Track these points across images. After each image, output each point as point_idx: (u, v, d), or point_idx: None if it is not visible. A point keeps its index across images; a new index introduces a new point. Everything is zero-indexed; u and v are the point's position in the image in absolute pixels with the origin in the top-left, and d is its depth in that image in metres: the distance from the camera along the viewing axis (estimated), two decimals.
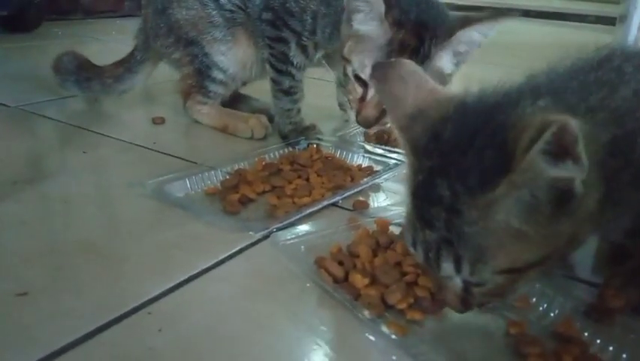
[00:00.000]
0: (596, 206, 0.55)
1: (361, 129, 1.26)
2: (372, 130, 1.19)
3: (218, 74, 1.33)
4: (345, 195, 1.00)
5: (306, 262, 0.77)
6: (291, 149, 1.21)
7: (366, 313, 0.66)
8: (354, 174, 1.08)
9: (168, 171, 1.02)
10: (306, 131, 1.28)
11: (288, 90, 1.27)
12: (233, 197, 0.95)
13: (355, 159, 1.19)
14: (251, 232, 0.85)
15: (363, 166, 1.14)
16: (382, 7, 0.98)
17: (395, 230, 0.83)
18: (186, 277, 0.74)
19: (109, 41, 2.46)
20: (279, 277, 0.75)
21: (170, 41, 1.35)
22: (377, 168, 1.14)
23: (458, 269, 0.56)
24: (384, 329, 0.64)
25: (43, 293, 0.70)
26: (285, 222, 0.88)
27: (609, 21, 3.70)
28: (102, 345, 0.62)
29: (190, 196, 0.99)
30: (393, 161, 1.17)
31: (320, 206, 0.95)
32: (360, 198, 0.98)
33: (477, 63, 1.05)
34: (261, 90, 1.43)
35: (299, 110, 1.30)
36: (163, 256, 0.80)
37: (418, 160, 0.58)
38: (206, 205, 0.95)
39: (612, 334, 0.64)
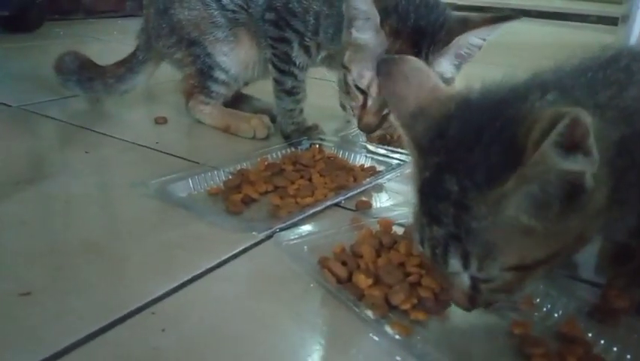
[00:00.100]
0: (604, 203, 0.55)
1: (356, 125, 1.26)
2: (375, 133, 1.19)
3: (220, 75, 1.33)
4: (348, 195, 0.99)
5: (310, 262, 0.77)
6: (293, 149, 1.21)
7: (370, 313, 0.66)
8: (357, 175, 1.08)
9: (171, 171, 1.02)
10: (309, 131, 1.28)
11: (290, 90, 1.27)
12: (236, 197, 0.95)
13: (358, 159, 1.19)
14: (254, 232, 0.85)
15: (365, 166, 1.14)
16: (378, 18, 0.98)
17: (398, 230, 0.83)
18: (190, 277, 0.74)
19: (110, 41, 2.46)
20: (282, 277, 0.75)
21: (173, 41, 1.35)
22: (379, 168, 1.14)
23: (466, 265, 0.56)
24: (388, 329, 0.64)
25: (46, 293, 0.70)
26: (288, 223, 0.88)
27: (611, 21, 3.71)
28: (106, 345, 0.62)
29: (193, 196, 0.99)
30: (396, 161, 1.17)
31: (323, 206, 0.95)
32: (363, 199, 0.98)
33: (477, 63, 1.05)
34: (263, 90, 1.43)
35: (301, 111, 1.30)
36: (166, 256, 0.80)
37: (424, 157, 0.58)
38: (209, 205, 0.95)
39: (616, 334, 0.64)
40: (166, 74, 1.50)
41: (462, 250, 0.55)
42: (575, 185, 0.51)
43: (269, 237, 0.85)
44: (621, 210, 0.60)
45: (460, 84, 1.02)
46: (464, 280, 0.59)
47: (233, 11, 1.28)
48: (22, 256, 0.78)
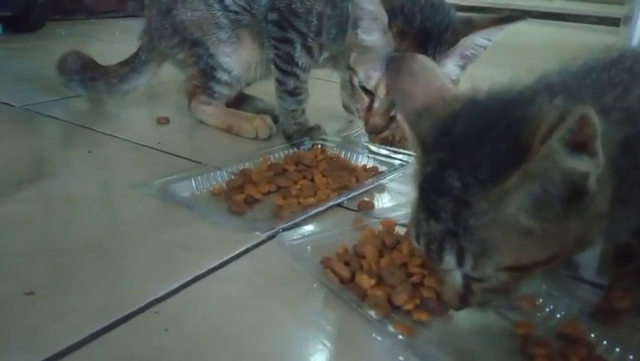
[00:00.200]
0: (607, 206, 0.55)
1: (362, 127, 1.27)
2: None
3: (222, 75, 1.33)
4: (351, 195, 1.00)
5: (312, 262, 0.77)
6: (295, 149, 1.21)
7: (373, 313, 0.66)
8: (359, 175, 1.08)
9: (173, 171, 1.03)
10: (311, 131, 1.29)
11: (292, 91, 1.27)
12: (238, 197, 0.95)
13: (360, 159, 1.19)
14: (257, 232, 0.85)
15: (368, 167, 1.14)
16: (386, 19, 0.98)
17: (401, 231, 0.83)
18: (192, 277, 0.74)
19: (112, 41, 2.46)
20: (284, 278, 0.76)
21: (175, 42, 1.35)
22: (382, 168, 1.15)
23: (460, 262, 0.56)
24: (391, 329, 0.64)
25: (48, 293, 0.70)
26: (290, 223, 0.88)
27: (613, 22, 3.71)
28: (108, 345, 0.62)
29: (195, 196, 0.99)
30: (398, 162, 1.18)
31: (325, 206, 0.95)
32: (366, 199, 0.98)
33: (479, 64, 1.05)
34: (266, 91, 1.43)
35: (303, 111, 1.31)
36: (169, 256, 0.80)
37: (427, 154, 0.59)
38: (211, 205, 0.96)
39: (619, 335, 0.64)
40: (168, 75, 1.50)
41: (458, 246, 0.56)
42: (578, 186, 0.51)
43: (271, 237, 0.85)
44: (624, 211, 0.60)
45: (462, 84, 1.02)
46: (456, 278, 0.59)
47: (236, 12, 1.28)
48: (24, 255, 0.78)
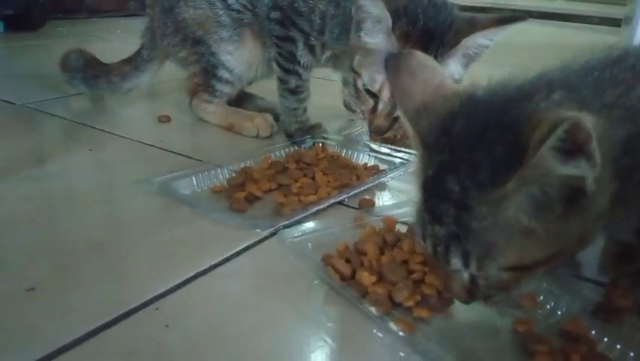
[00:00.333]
0: (608, 205, 0.55)
1: (367, 128, 1.27)
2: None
3: (224, 74, 1.33)
4: (351, 193, 1.00)
5: (313, 259, 0.77)
6: (296, 147, 1.21)
7: (374, 310, 0.66)
8: (360, 173, 1.08)
9: (174, 169, 1.03)
10: (312, 130, 1.29)
11: (294, 89, 1.27)
12: (239, 195, 0.95)
13: (361, 157, 1.19)
14: (257, 230, 0.85)
15: (368, 165, 1.14)
16: (390, 21, 0.99)
17: (402, 228, 0.83)
18: (193, 273, 0.74)
19: (113, 40, 2.46)
20: (285, 275, 0.76)
21: (177, 40, 1.35)
22: (383, 167, 1.15)
23: (466, 264, 0.56)
24: (392, 325, 0.64)
25: (50, 290, 0.70)
26: (291, 220, 0.88)
27: (614, 22, 3.70)
28: (110, 341, 0.62)
29: (196, 194, 0.99)
30: (399, 160, 1.17)
31: (326, 204, 0.95)
32: (366, 197, 0.98)
33: (479, 63, 1.05)
34: (267, 89, 1.43)
35: (305, 110, 1.31)
36: (170, 253, 0.80)
37: (428, 154, 0.59)
38: (212, 203, 0.96)
39: (619, 333, 0.64)
40: (169, 73, 1.50)
41: (462, 249, 0.56)
42: (576, 188, 0.51)
43: (272, 234, 0.85)
44: (626, 210, 0.60)
45: (463, 84, 1.02)
46: (464, 276, 0.59)
47: (238, 11, 1.28)
48: (26, 253, 0.78)
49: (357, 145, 1.25)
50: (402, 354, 0.61)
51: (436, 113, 0.60)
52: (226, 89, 1.36)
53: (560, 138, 0.45)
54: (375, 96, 1.07)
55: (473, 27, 1.00)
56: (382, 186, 1.07)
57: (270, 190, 1.00)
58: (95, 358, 0.59)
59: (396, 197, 1.03)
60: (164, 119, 1.41)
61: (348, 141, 1.28)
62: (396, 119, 1.07)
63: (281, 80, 1.28)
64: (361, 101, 1.12)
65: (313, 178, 1.05)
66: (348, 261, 0.75)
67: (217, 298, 0.70)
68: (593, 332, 0.64)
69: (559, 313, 0.68)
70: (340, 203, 0.97)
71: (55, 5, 2.84)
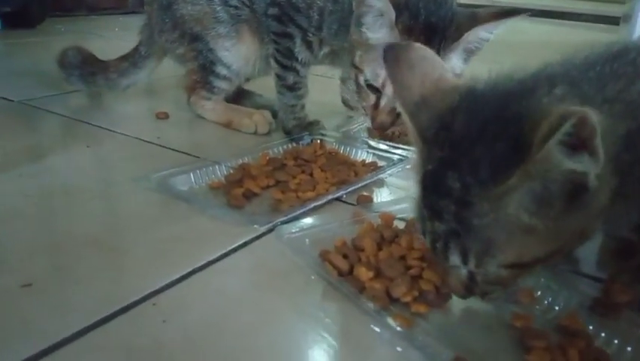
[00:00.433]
0: (608, 201, 0.55)
1: (364, 125, 1.27)
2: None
3: (222, 70, 1.33)
4: (349, 189, 0.99)
5: (311, 255, 0.77)
6: (294, 144, 1.21)
7: (371, 305, 0.66)
8: (358, 170, 1.08)
9: (172, 165, 1.02)
10: (310, 126, 1.29)
11: (292, 86, 1.27)
12: (237, 191, 0.95)
13: (359, 154, 1.19)
14: (255, 226, 0.85)
15: (367, 162, 1.14)
16: (393, 15, 0.98)
17: (400, 224, 0.83)
18: (191, 269, 0.74)
19: (112, 38, 2.46)
20: (283, 270, 0.75)
21: (175, 36, 1.35)
22: (381, 163, 1.14)
23: (465, 261, 0.56)
24: (390, 321, 0.64)
25: (47, 285, 0.70)
26: (289, 216, 0.88)
27: (613, 21, 3.70)
28: (107, 336, 0.62)
29: (194, 190, 0.99)
30: (397, 156, 1.17)
31: (324, 200, 0.94)
32: (364, 193, 0.98)
33: (478, 61, 1.05)
34: (265, 86, 1.43)
35: (303, 106, 1.30)
36: (167, 249, 0.80)
37: (427, 149, 0.58)
38: (210, 199, 0.95)
39: (617, 328, 0.64)
40: (167, 70, 1.50)
41: (462, 246, 0.56)
42: (579, 184, 0.51)
43: (270, 230, 0.85)
44: (626, 206, 0.60)
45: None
46: (462, 272, 0.59)
47: (236, 7, 1.28)
48: (23, 248, 0.78)
49: (355, 142, 1.24)
50: (399, 349, 0.61)
51: (436, 107, 0.59)
52: (224, 86, 1.35)
53: (568, 132, 0.45)
54: (377, 91, 1.07)
55: (474, 21, 1.00)
56: (380, 183, 1.06)
57: (268, 187, 1.00)
58: (92, 353, 0.59)
59: (395, 193, 1.03)
60: (162, 116, 1.41)
61: (346, 137, 1.28)
62: (399, 114, 1.07)
63: (279, 77, 1.28)
64: (363, 97, 1.11)
65: (311, 175, 1.05)
66: (345, 257, 0.74)
67: (215, 294, 0.70)
68: (591, 328, 0.64)
69: (556, 308, 0.68)
70: (338, 199, 0.97)
71: (54, 3, 2.84)
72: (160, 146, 1.20)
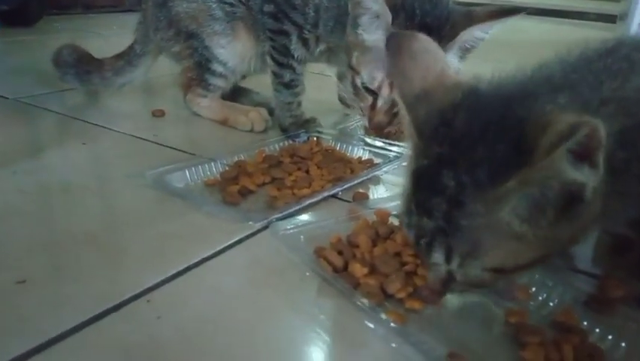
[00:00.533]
0: (601, 205, 0.54)
1: (361, 123, 1.27)
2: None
3: (218, 67, 1.33)
4: (345, 186, 0.99)
5: (306, 251, 0.76)
6: (291, 141, 1.21)
7: (366, 301, 0.66)
8: (354, 167, 1.08)
9: (168, 162, 1.02)
10: (307, 124, 1.28)
11: (288, 83, 1.27)
12: (232, 188, 0.95)
13: (355, 151, 1.19)
14: (250, 222, 0.85)
15: (363, 159, 1.14)
16: (390, 17, 0.98)
17: (395, 221, 0.83)
18: (185, 266, 0.74)
19: (110, 36, 2.46)
20: (278, 267, 0.75)
21: (170, 34, 1.35)
22: (377, 160, 1.14)
23: (448, 260, 0.56)
24: (384, 317, 0.64)
25: (42, 282, 0.70)
26: (284, 213, 0.88)
27: (610, 19, 3.71)
28: (101, 332, 0.62)
29: (190, 187, 0.98)
30: (393, 154, 1.17)
31: (320, 197, 0.94)
32: (360, 190, 0.98)
33: (477, 60, 1.05)
34: (262, 84, 1.43)
35: (299, 104, 1.30)
36: (162, 246, 0.79)
37: (424, 143, 0.58)
38: (205, 196, 0.95)
39: (611, 323, 0.64)
40: (164, 67, 1.50)
41: (447, 245, 0.56)
42: (575, 195, 0.51)
43: (265, 227, 0.85)
44: (622, 203, 0.60)
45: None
46: (442, 270, 0.59)
47: (231, 4, 1.28)
48: (18, 245, 0.78)
49: (351, 139, 1.25)
50: (394, 345, 0.61)
51: (437, 102, 0.59)
52: (220, 83, 1.35)
53: (578, 141, 0.45)
54: (374, 93, 1.07)
55: (470, 20, 1.00)
56: (376, 180, 1.06)
57: (264, 184, 1.00)
58: (86, 350, 0.59)
59: (390, 190, 1.02)
60: (159, 114, 1.41)
61: (342, 134, 1.28)
62: (395, 114, 1.07)
63: (275, 74, 1.28)
64: (360, 98, 1.12)
65: (307, 172, 1.05)
66: (340, 253, 0.74)
67: (209, 291, 0.70)
68: (585, 323, 0.64)
69: (551, 304, 0.68)
70: (334, 196, 0.97)
71: (51, 1, 2.84)
72: (156, 143, 1.20)
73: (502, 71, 0.61)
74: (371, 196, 0.98)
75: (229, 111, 1.35)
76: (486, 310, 0.67)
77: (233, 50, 1.31)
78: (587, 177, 0.49)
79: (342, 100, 1.48)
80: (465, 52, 1.05)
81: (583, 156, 0.46)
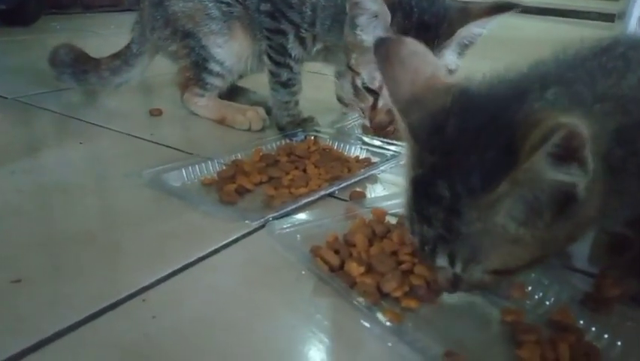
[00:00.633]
0: (599, 204, 0.54)
1: (359, 121, 1.27)
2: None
3: (214, 67, 1.32)
4: (342, 185, 0.99)
5: (302, 250, 0.76)
6: (288, 140, 1.21)
7: (362, 300, 0.66)
8: (352, 166, 1.08)
9: (165, 162, 1.02)
10: (304, 123, 1.28)
11: (285, 82, 1.27)
12: (229, 187, 0.95)
13: (353, 150, 1.18)
14: (247, 221, 0.85)
15: (360, 158, 1.14)
16: (389, 17, 0.98)
17: (392, 220, 0.83)
18: (182, 265, 0.74)
19: (108, 35, 2.45)
20: (274, 266, 0.75)
21: (167, 34, 1.34)
22: (374, 159, 1.14)
23: (452, 265, 0.57)
24: (380, 316, 0.64)
25: (39, 281, 0.70)
26: (281, 212, 0.88)
27: (608, 18, 3.71)
28: (96, 331, 0.62)
29: (186, 186, 0.98)
30: (391, 153, 1.17)
31: (316, 196, 0.94)
32: (357, 189, 0.98)
33: (475, 58, 1.05)
34: (259, 83, 1.43)
35: (297, 103, 1.30)
36: (159, 245, 0.79)
37: (419, 149, 0.58)
38: (202, 195, 0.95)
39: (607, 322, 0.64)
40: (161, 67, 1.50)
41: (449, 251, 0.56)
42: (568, 194, 0.50)
43: (262, 226, 0.85)
44: (619, 201, 0.60)
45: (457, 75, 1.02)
46: (448, 271, 0.60)
47: (228, 4, 1.28)
48: (15, 244, 0.78)
49: (349, 138, 1.24)
50: (390, 344, 0.60)
51: (427, 107, 0.58)
52: (217, 82, 1.35)
53: (556, 144, 0.45)
54: (375, 93, 1.07)
55: (467, 16, 1.00)
56: (374, 179, 1.06)
57: (261, 183, 1.00)
58: (82, 348, 0.59)
59: (388, 189, 1.02)
60: (156, 113, 1.40)
61: (340, 133, 1.28)
62: None
63: (272, 73, 1.28)
64: (360, 98, 1.12)
65: (304, 171, 1.05)
66: (337, 252, 0.74)
67: (206, 290, 0.70)
68: (582, 322, 0.64)
69: (547, 303, 0.68)
70: (331, 195, 0.97)
71: (50, 0, 2.83)
72: (153, 142, 1.20)
73: (493, 70, 0.60)
74: (368, 195, 0.98)
75: (226, 110, 1.35)
76: (482, 309, 0.67)
77: (230, 49, 1.31)
78: (576, 177, 0.48)
79: (339, 99, 1.48)
80: (464, 48, 1.05)
81: (566, 156, 0.46)
